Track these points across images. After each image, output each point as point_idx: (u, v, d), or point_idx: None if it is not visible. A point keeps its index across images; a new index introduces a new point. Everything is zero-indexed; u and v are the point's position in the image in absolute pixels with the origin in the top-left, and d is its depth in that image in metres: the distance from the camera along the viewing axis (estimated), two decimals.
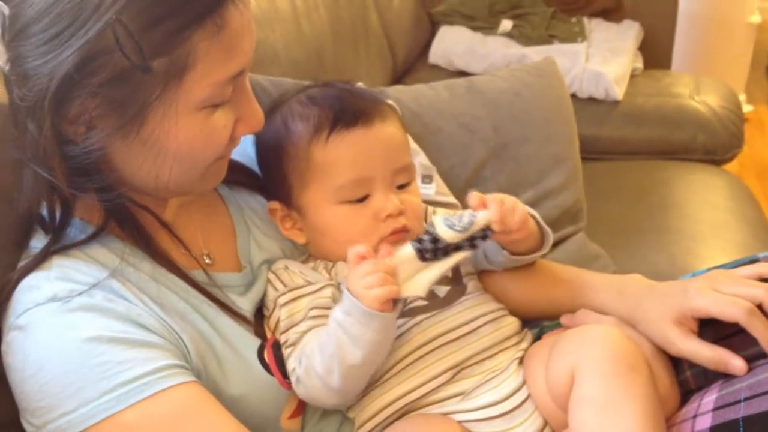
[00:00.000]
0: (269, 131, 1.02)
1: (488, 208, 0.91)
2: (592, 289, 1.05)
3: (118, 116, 0.81)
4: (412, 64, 2.39)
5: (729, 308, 0.89)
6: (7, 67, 0.83)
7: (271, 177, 1.05)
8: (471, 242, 0.90)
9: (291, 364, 0.93)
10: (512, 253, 1.03)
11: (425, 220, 1.07)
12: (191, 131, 0.84)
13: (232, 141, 0.90)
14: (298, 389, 0.93)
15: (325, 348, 0.88)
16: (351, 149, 0.98)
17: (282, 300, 0.97)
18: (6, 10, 0.81)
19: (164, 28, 0.78)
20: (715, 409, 0.83)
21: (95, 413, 0.79)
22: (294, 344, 0.93)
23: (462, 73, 2.22)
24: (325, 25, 1.87)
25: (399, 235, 0.99)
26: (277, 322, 0.97)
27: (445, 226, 0.89)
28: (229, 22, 0.81)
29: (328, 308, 0.94)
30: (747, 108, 3.08)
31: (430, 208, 1.13)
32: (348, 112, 0.99)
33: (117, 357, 0.80)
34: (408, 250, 0.88)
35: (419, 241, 0.88)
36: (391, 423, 0.94)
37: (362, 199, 0.99)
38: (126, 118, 0.81)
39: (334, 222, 1.00)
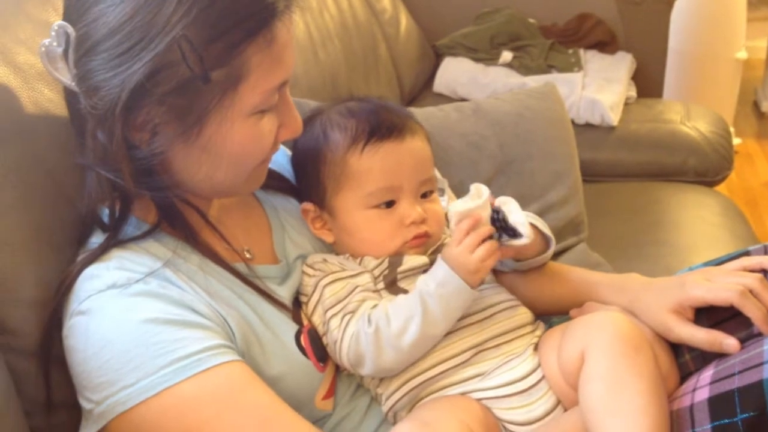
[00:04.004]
0: (308, 138, 1.09)
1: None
2: (595, 285, 1.12)
3: (180, 122, 0.88)
4: (418, 93, 2.44)
5: (722, 293, 0.95)
6: (74, 83, 0.89)
7: (307, 180, 1.12)
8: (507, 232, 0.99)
9: (352, 330, 0.98)
10: (519, 260, 1.11)
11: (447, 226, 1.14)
12: (243, 135, 0.91)
13: (275, 146, 0.97)
14: (351, 348, 0.98)
15: (407, 313, 0.95)
16: (384, 160, 1.05)
17: (325, 281, 1.03)
18: (71, 31, 0.87)
19: (223, 42, 0.85)
20: (712, 382, 0.88)
21: (153, 386, 0.84)
22: (352, 311, 0.99)
23: (464, 101, 2.27)
24: (339, 55, 1.96)
25: (421, 240, 1.07)
26: (316, 304, 1.03)
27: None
28: (277, 37, 0.89)
29: (371, 290, 1.02)
30: (736, 141, 3.15)
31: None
32: (383, 125, 1.06)
33: (172, 336, 0.86)
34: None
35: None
36: (413, 398, 1.00)
37: (389, 205, 1.06)
38: (187, 124, 0.88)
39: (363, 225, 1.07)
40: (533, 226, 1.07)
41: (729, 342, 0.94)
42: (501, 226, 0.99)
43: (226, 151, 0.92)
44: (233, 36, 0.86)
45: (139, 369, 0.85)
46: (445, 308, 0.96)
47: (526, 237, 0.99)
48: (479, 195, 1.00)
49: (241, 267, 1.00)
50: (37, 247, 0.96)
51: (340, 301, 1.01)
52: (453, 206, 1.00)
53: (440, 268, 0.98)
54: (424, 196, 1.09)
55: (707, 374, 0.91)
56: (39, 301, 0.95)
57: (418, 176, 1.07)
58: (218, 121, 0.89)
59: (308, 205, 1.12)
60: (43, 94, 1.03)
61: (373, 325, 0.97)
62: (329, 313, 1.01)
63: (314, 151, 1.09)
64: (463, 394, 0.98)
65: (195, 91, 0.86)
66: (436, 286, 0.97)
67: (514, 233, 1.00)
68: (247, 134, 0.92)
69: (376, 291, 1.04)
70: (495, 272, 1.16)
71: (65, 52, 0.88)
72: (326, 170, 1.08)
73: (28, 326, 0.95)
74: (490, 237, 0.98)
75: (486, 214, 1.00)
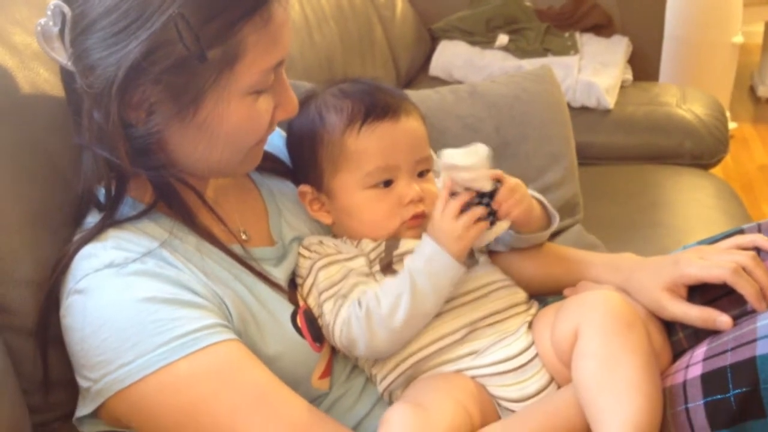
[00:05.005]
0: (303, 120, 1.09)
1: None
2: (589, 265, 1.12)
3: (176, 102, 0.88)
4: (414, 76, 2.45)
5: (716, 270, 0.96)
6: (70, 62, 0.89)
7: (303, 162, 1.12)
8: (482, 199, 0.99)
9: (344, 314, 0.98)
10: (520, 233, 1.11)
11: None
12: (240, 115, 0.92)
13: (271, 126, 0.98)
14: (343, 333, 0.98)
15: (396, 292, 0.96)
16: (381, 140, 1.06)
17: (319, 264, 1.04)
18: (67, 11, 0.87)
19: (219, 21, 0.85)
20: (705, 359, 0.89)
21: (151, 364, 0.85)
22: (345, 295, 1.00)
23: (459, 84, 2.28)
24: (335, 37, 1.96)
25: (418, 221, 1.07)
26: (311, 287, 1.03)
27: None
28: (274, 17, 0.89)
29: (365, 274, 1.03)
30: (732, 125, 3.15)
31: None
32: (378, 106, 1.07)
33: (170, 315, 0.87)
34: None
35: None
36: (409, 377, 1.00)
37: (387, 185, 1.07)
38: (183, 104, 0.88)
39: (362, 205, 1.07)
40: (538, 201, 1.08)
41: (722, 319, 0.94)
42: (489, 204, 1.00)
43: (223, 131, 0.92)
44: (230, 15, 0.86)
45: (137, 347, 0.85)
46: (434, 284, 0.97)
47: (506, 221, 1.01)
48: (476, 153, 1.00)
49: (236, 249, 1.00)
50: (33, 227, 0.97)
51: (334, 285, 1.02)
52: (445, 154, 1.00)
53: (427, 244, 0.99)
54: (421, 175, 1.10)
55: (700, 351, 0.92)
56: (36, 281, 0.95)
57: (414, 155, 1.08)
58: (214, 101, 0.89)
59: (305, 188, 1.12)
60: (40, 74, 1.03)
61: (363, 307, 0.97)
62: (323, 296, 1.02)
63: (310, 133, 1.10)
64: (457, 371, 0.99)
65: (191, 70, 0.86)
66: (424, 263, 0.97)
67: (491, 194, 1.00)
68: (243, 114, 0.92)
69: (371, 274, 1.04)
70: (490, 253, 1.16)
71: (61, 31, 0.88)
72: (323, 152, 1.08)
73: (25, 305, 0.95)
74: (481, 215, 0.99)
75: (476, 177, 0.98)
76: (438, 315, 1.00)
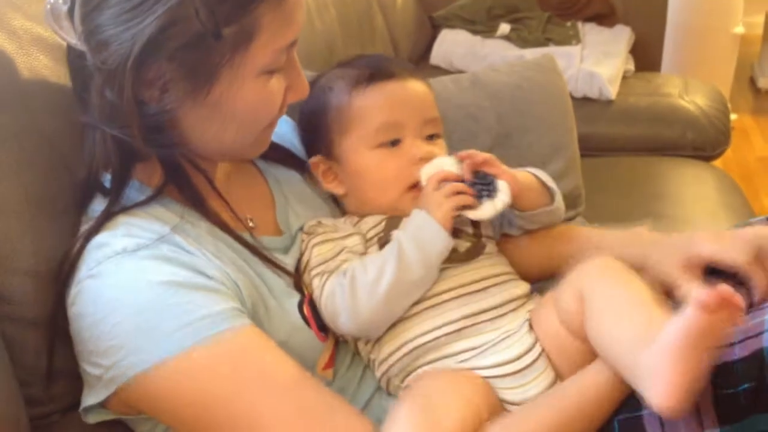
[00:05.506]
0: (312, 98, 1.08)
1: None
2: (602, 241, 1.11)
3: (191, 80, 0.87)
4: (414, 65, 2.37)
5: (732, 253, 0.95)
6: (81, 40, 0.87)
7: (314, 134, 1.13)
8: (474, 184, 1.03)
9: (329, 286, 0.98)
10: (522, 211, 1.10)
11: None
12: (253, 95, 0.91)
13: (282, 108, 0.97)
14: (328, 304, 0.98)
15: (383, 258, 0.96)
16: (387, 97, 1.08)
17: (314, 241, 1.04)
18: None
19: None
20: None
21: (167, 349, 0.84)
22: (332, 271, 1.00)
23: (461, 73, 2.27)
24: (335, 24, 1.94)
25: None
26: (306, 265, 1.03)
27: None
28: None
29: (359, 253, 1.03)
30: (732, 116, 3.16)
31: None
32: (384, 69, 1.10)
33: (184, 299, 0.86)
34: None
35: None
36: (407, 365, 0.99)
37: (394, 144, 1.08)
38: (198, 82, 0.87)
39: (371, 165, 1.08)
40: (535, 176, 1.09)
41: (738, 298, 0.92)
42: (478, 182, 1.02)
43: (236, 111, 0.91)
44: None
45: (152, 332, 0.84)
46: (421, 252, 0.97)
47: (504, 195, 1.02)
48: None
49: (246, 236, 0.99)
50: (33, 215, 0.95)
51: (325, 261, 1.02)
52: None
53: (416, 213, 1.01)
54: (430, 139, 1.11)
55: None
56: (35, 270, 0.94)
57: (421, 114, 1.09)
58: (228, 80, 0.88)
59: (316, 158, 1.12)
60: (39, 60, 1.02)
61: (348, 275, 0.97)
62: (314, 272, 1.01)
63: (319, 104, 1.11)
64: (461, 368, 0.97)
65: (206, 47, 0.86)
66: (412, 230, 0.99)
67: (492, 187, 1.02)
68: (256, 94, 0.92)
69: (364, 253, 1.04)
70: (503, 236, 1.15)
71: (70, 10, 0.87)
72: (331, 116, 1.10)
73: (24, 295, 0.94)
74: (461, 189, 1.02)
75: (441, 163, 1.06)
76: (438, 304, 1.00)
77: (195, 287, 0.87)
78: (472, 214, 1.02)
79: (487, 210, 1.02)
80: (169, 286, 0.86)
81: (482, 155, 1.05)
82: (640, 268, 1.01)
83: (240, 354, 0.87)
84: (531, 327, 1.00)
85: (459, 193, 1.01)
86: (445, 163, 1.05)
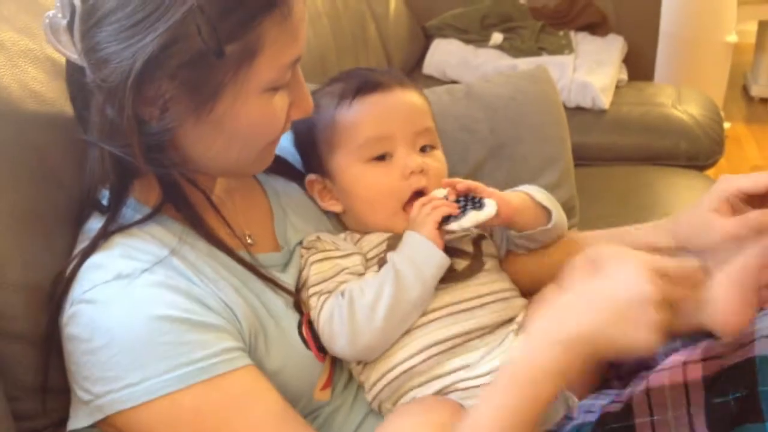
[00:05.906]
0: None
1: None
2: (624, 234, 1.10)
3: (192, 98, 0.85)
4: (407, 74, 2.36)
5: (762, 178, 0.93)
6: (81, 56, 0.85)
7: (306, 152, 1.12)
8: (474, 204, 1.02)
9: (328, 307, 0.97)
10: (521, 231, 1.07)
11: None
12: (257, 113, 0.89)
13: (286, 125, 0.95)
14: (326, 327, 0.97)
15: (380, 280, 0.95)
16: (372, 109, 1.06)
17: (312, 259, 1.02)
18: (77, 2, 0.83)
19: (238, 15, 0.82)
20: (704, 359, 0.86)
21: (158, 388, 0.83)
22: (330, 291, 0.98)
23: (454, 84, 2.26)
24: (328, 35, 1.93)
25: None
26: (304, 282, 1.01)
27: None
28: (294, 11, 0.87)
29: (358, 273, 1.01)
30: (725, 125, 3.16)
31: None
32: (369, 82, 1.07)
33: (181, 338, 0.84)
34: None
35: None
36: (397, 389, 0.98)
37: (383, 159, 1.05)
38: (200, 99, 0.85)
39: (361, 181, 1.06)
40: (530, 196, 1.06)
41: None
42: (464, 198, 1.01)
43: (239, 128, 0.89)
44: (250, 9, 0.83)
45: (145, 369, 0.83)
46: (417, 270, 0.96)
47: (490, 207, 1.00)
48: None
49: (244, 254, 0.98)
50: (23, 229, 0.94)
51: (324, 281, 1.00)
52: None
53: (408, 234, 1.00)
54: (424, 150, 1.08)
55: (697, 351, 0.89)
56: (25, 284, 0.93)
57: (411, 126, 1.06)
58: (231, 97, 0.86)
59: (312, 176, 1.11)
60: (28, 72, 1.00)
61: (346, 297, 0.96)
62: (311, 291, 1.00)
63: (308, 122, 1.08)
64: (449, 385, 0.96)
65: (208, 65, 0.83)
66: (406, 250, 0.98)
67: (479, 204, 1.00)
68: (260, 112, 0.90)
69: (364, 274, 1.02)
70: (508, 254, 1.13)
71: (70, 24, 0.85)
72: (319, 134, 1.08)
73: (14, 309, 0.92)
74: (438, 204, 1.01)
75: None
76: (430, 322, 0.98)
77: (192, 324, 0.86)
78: (456, 224, 0.99)
79: (469, 219, 1.00)
80: (165, 321, 0.84)
81: (464, 183, 1.03)
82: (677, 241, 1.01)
83: (234, 401, 0.86)
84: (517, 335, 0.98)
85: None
86: (437, 194, 1.04)
